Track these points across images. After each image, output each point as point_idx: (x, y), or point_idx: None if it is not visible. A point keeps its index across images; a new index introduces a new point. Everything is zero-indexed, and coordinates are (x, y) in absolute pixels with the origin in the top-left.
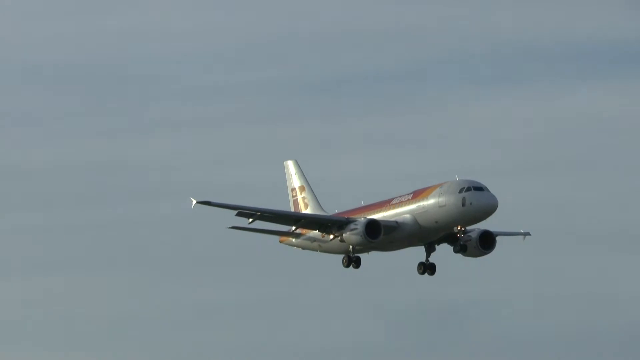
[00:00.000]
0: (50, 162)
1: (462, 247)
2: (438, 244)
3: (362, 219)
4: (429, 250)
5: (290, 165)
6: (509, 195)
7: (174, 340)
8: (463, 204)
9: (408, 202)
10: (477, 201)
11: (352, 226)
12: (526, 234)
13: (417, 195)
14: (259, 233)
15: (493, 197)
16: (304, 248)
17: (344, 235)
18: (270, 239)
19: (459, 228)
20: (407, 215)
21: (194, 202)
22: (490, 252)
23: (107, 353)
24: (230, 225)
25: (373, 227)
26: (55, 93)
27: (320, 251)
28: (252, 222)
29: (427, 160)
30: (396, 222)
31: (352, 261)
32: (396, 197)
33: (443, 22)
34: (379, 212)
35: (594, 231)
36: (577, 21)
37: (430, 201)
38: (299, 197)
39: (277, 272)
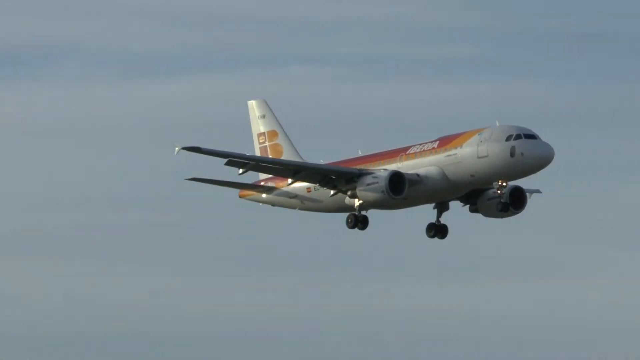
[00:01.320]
0: None
1: (503, 206)
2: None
3: (382, 170)
4: (441, 209)
5: (255, 105)
6: None
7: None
8: (512, 154)
9: (433, 151)
10: (529, 151)
11: (368, 180)
12: (536, 191)
13: (445, 143)
14: (222, 186)
15: (548, 146)
16: (274, 205)
17: (357, 190)
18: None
19: (500, 183)
20: (433, 168)
21: (178, 148)
22: (521, 212)
23: None
24: (190, 177)
25: (398, 181)
26: None
27: (299, 209)
28: (243, 172)
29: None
30: (417, 174)
31: (359, 221)
32: (414, 146)
33: None
34: (391, 163)
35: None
36: None
37: (465, 150)
38: (268, 144)
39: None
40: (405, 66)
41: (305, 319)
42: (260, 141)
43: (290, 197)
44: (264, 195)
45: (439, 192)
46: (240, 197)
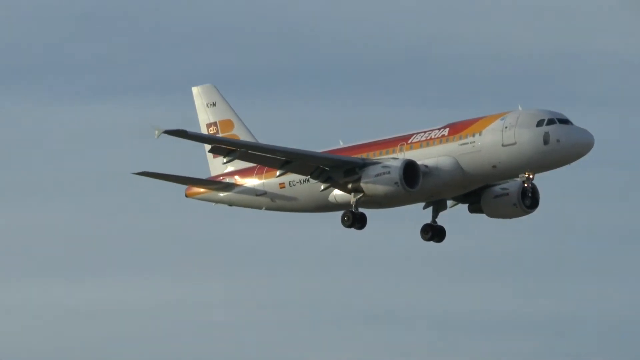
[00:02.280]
0: None
1: (532, 201)
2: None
3: (393, 159)
4: (438, 208)
5: (202, 92)
6: None
7: None
8: (546, 142)
9: (443, 139)
10: (566, 138)
11: (377, 170)
12: None
13: (457, 129)
14: (175, 182)
15: (586, 132)
16: (232, 204)
17: (361, 183)
18: None
19: (527, 175)
20: (445, 158)
21: (159, 131)
22: (534, 211)
23: None
24: (138, 171)
25: (412, 171)
26: None
27: (266, 209)
28: (228, 162)
29: None
30: (425, 166)
31: (357, 219)
32: (416, 134)
33: None
34: (388, 154)
35: None
36: None
37: (486, 137)
38: (221, 135)
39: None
40: None
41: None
42: (211, 132)
43: (257, 195)
44: (221, 194)
45: (450, 185)
46: (188, 195)
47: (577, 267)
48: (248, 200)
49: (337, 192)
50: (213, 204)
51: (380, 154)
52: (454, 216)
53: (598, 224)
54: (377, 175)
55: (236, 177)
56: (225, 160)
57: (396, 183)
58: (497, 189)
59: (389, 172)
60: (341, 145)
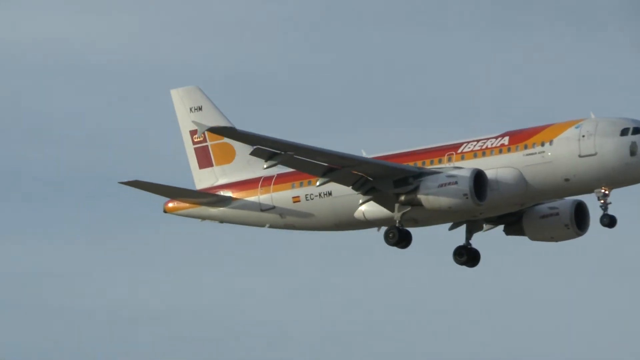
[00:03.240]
0: None
1: (610, 220)
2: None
3: (459, 169)
4: (473, 228)
5: (184, 95)
6: None
7: None
8: (633, 153)
9: (503, 148)
10: None
11: (441, 179)
12: None
13: (519, 138)
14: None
15: None
16: (222, 221)
17: (420, 195)
18: None
19: (603, 191)
20: (507, 170)
21: (201, 129)
22: (585, 233)
23: None
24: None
25: (481, 182)
26: None
27: (270, 226)
28: (270, 166)
29: None
30: None
31: (403, 237)
32: (468, 142)
33: None
34: (436, 164)
35: None
36: None
37: (560, 147)
38: (210, 143)
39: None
40: None
41: None
42: (196, 140)
43: (263, 210)
44: (213, 209)
45: (510, 201)
46: (168, 211)
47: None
48: (248, 217)
49: (366, 208)
50: (200, 220)
51: (424, 164)
52: (487, 239)
53: None
54: (441, 185)
55: (230, 191)
56: (266, 165)
57: (465, 195)
58: (544, 207)
59: (456, 183)
60: (363, 153)
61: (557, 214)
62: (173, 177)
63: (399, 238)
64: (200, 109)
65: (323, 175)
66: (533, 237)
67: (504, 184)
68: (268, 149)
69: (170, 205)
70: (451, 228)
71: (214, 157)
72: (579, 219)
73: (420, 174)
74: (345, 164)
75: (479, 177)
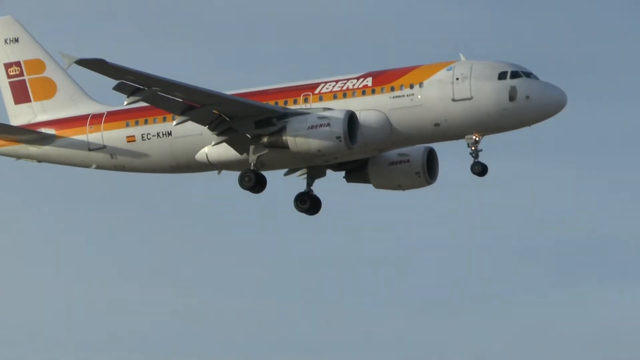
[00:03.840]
0: None
1: (483, 168)
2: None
3: (329, 110)
4: (314, 174)
5: None
6: None
7: None
8: (512, 98)
9: (366, 89)
10: (538, 94)
11: (311, 120)
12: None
13: (384, 79)
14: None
15: (558, 89)
16: (41, 160)
17: (287, 136)
18: None
19: (474, 137)
20: (371, 113)
21: (69, 61)
22: (435, 181)
23: None
24: None
25: (354, 125)
26: None
27: (95, 167)
28: (132, 102)
29: None
30: None
31: (260, 181)
32: (326, 82)
33: None
34: (291, 104)
35: None
36: None
37: (431, 90)
38: (27, 77)
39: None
40: None
41: None
42: (11, 73)
43: (91, 150)
44: (32, 148)
45: (371, 146)
46: None
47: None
48: (73, 156)
49: (210, 150)
50: (15, 159)
51: (277, 105)
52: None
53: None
54: (312, 127)
55: (53, 128)
56: (127, 101)
57: (338, 138)
58: (393, 154)
59: (328, 125)
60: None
61: (408, 160)
62: None
63: (255, 182)
64: (16, 40)
65: (182, 113)
66: (378, 185)
67: (368, 127)
68: (133, 84)
69: None
70: (287, 174)
71: (32, 92)
72: (429, 167)
73: (285, 114)
74: (212, 102)
75: (352, 119)
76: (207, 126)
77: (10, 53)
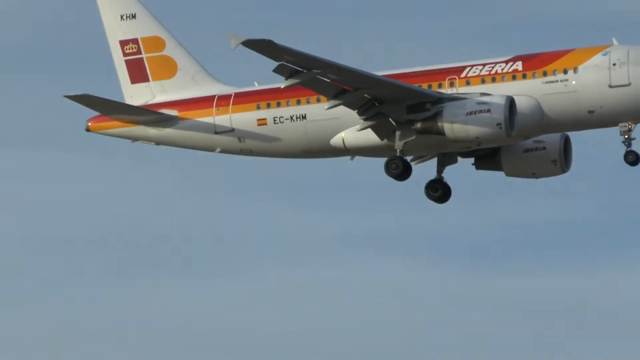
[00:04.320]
0: None
1: (636, 157)
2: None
3: (487, 96)
4: (446, 161)
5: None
6: None
7: None
8: None
9: (517, 74)
10: None
11: (469, 106)
12: None
13: (536, 64)
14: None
15: None
16: (159, 143)
17: (443, 123)
18: None
19: (628, 125)
20: (522, 98)
21: (236, 41)
22: (569, 170)
23: None
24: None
25: (513, 111)
26: None
27: (220, 151)
28: (291, 84)
29: None
30: None
31: (406, 168)
32: (472, 66)
33: None
34: (435, 89)
35: None
36: None
37: (586, 76)
38: (145, 56)
39: None
40: None
41: None
42: (128, 51)
43: (217, 133)
44: (152, 129)
45: (520, 132)
46: (92, 130)
47: None
48: (197, 139)
49: (347, 134)
50: (130, 141)
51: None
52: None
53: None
54: (470, 113)
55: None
56: (286, 83)
57: (499, 125)
58: (529, 141)
59: (488, 111)
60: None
61: (544, 147)
62: (93, 91)
63: (402, 169)
64: (133, 16)
65: (334, 97)
66: (510, 173)
67: (520, 114)
68: (293, 66)
69: (95, 123)
70: (414, 160)
71: (151, 71)
72: (565, 155)
73: (440, 99)
74: (369, 85)
75: (512, 105)
76: (356, 110)
77: (127, 30)
